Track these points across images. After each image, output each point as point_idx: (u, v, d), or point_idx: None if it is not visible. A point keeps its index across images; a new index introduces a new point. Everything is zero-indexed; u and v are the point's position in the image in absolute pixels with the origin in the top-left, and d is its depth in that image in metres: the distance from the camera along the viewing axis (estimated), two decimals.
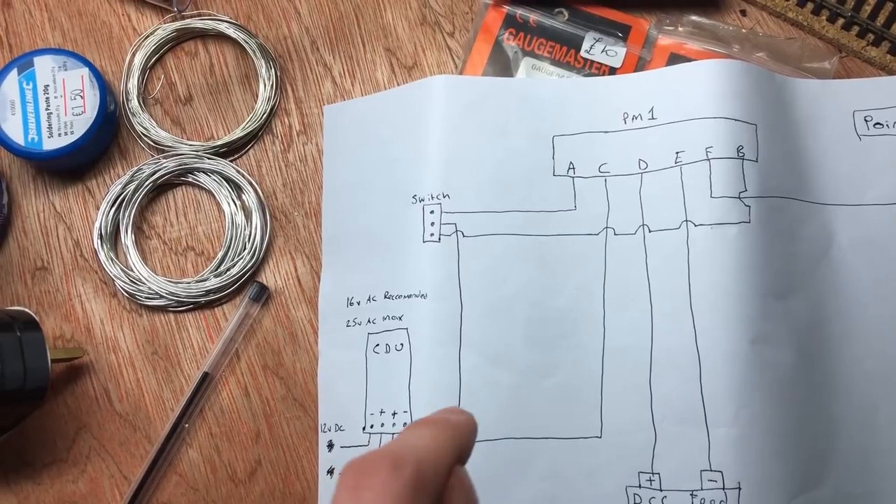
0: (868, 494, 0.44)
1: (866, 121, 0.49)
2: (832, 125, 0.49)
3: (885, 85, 0.50)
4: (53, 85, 0.51)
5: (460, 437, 0.24)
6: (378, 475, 0.20)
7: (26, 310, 0.49)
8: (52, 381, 0.50)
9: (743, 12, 0.53)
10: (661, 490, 0.44)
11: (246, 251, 0.52)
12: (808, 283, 0.46)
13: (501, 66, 0.52)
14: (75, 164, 0.53)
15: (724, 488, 0.42)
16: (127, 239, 0.52)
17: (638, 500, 0.44)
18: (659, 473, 0.44)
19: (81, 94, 0.51)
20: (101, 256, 0.52)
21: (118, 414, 0.51)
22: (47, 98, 0.51)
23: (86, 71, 0.52)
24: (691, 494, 0.43)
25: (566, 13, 0.53)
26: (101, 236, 0.52)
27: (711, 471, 0.43)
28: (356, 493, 0.19)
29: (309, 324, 0.51)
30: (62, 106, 0.51)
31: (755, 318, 0.44)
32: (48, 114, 0.51)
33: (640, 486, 0.44)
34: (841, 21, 0.52)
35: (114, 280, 0.52)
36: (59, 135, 0.51)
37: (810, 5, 0.52)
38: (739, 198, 0.45)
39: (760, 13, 0.53)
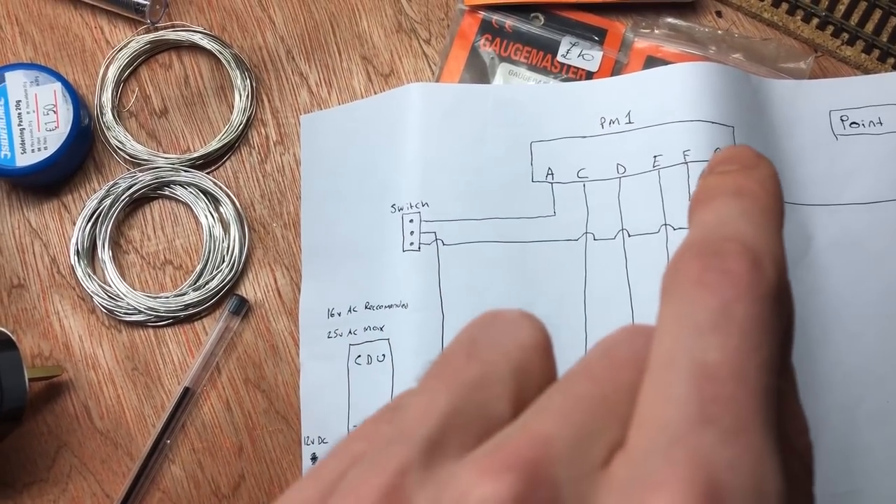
0: (850, 494, 0.44)
1: (842, 120, 0.49)
2: (809, 125, 0.49)
3: (860, 84, 0.50)
4: (25, 100, 0.51)
5: (783, 219, 0.19)
6: (737, 272, 0.16)
7: (2, 329, 0.48)
8: (31, 399, 0.49)
9: (718, 13, 0.53)
10: None
11: (224, 264, 0.51)
12: None
13: (478, 71, 0.52)
14: (50, 180, 0.53)
15: None
16: (104, 254, 0.52)
17: None
18: None
19: (54, 108, 0.51)
20: (79, 272, 0.51)
21: (99, 431, 0.50)
22: (19, 113, 0.51)
23: (58, 85, 0.51)
24: None
25: (542, 18, 0.53)
26: (77, 252, 0.52)
27: None
28: (711, 290, 0.15)
29: (290, 336, 0.51)
30: (35, 121, 0.51)
31: None
32: (21, 129, 0.50)
33: None
34: (816, 21, 0.52)
35: (92, 296, 0.51)
36: (33, 150, 0.50)
37: (785, 5, 0.52)
38: None
39: (736, 14, 0.53)
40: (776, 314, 0.16)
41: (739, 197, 0.18)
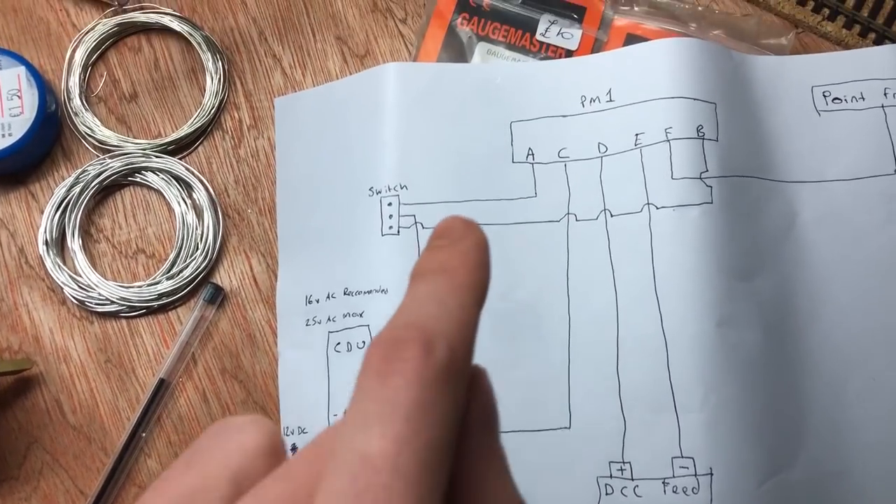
0: (839, 473, 0.44)
1: (825, 96, 0.49)
2: (791, 101, 0.48)
3: (842, 60, 0.49)
4: None
5: (483, 288, 0.20)
6: (409, 359, 0.17)
7: None
8: (0, 395, 0.48)
9: None
10: (632, 479, 0.43)
11: (199, 252, 0.50)
12: (772, 261, 0.46)
13: (456, 51, 0.51)
14: (16, 168, 0.51)
15: (695, 475, 0.42)
16: (74, 244, 0.50)
17: (609, 491, 0.43)
18: (630, 462, 0.43)
19: (19, 93, 0.49)
20: (48, 263, 0.50)
21: (71, 426, 0.49)
22: None
23: (22, 69, 0.49)
24: (663, 482, 0.42)
25: None
26: (46, 242, 0.50)
27: (682, 457, 0.42)
28: (384, 380, 0.16)
29: (267, 324, 0.49)
30: None
31: (720, 300, 0.43)
32: None
33: (611, 476, 0.43)
34: None
35: (62, 287, 0.50)
36: None
37: None
38: (701, 178, 0.45)
39: None
40: (445, 395, 0.17)
41: (438, 275, 0.19)
